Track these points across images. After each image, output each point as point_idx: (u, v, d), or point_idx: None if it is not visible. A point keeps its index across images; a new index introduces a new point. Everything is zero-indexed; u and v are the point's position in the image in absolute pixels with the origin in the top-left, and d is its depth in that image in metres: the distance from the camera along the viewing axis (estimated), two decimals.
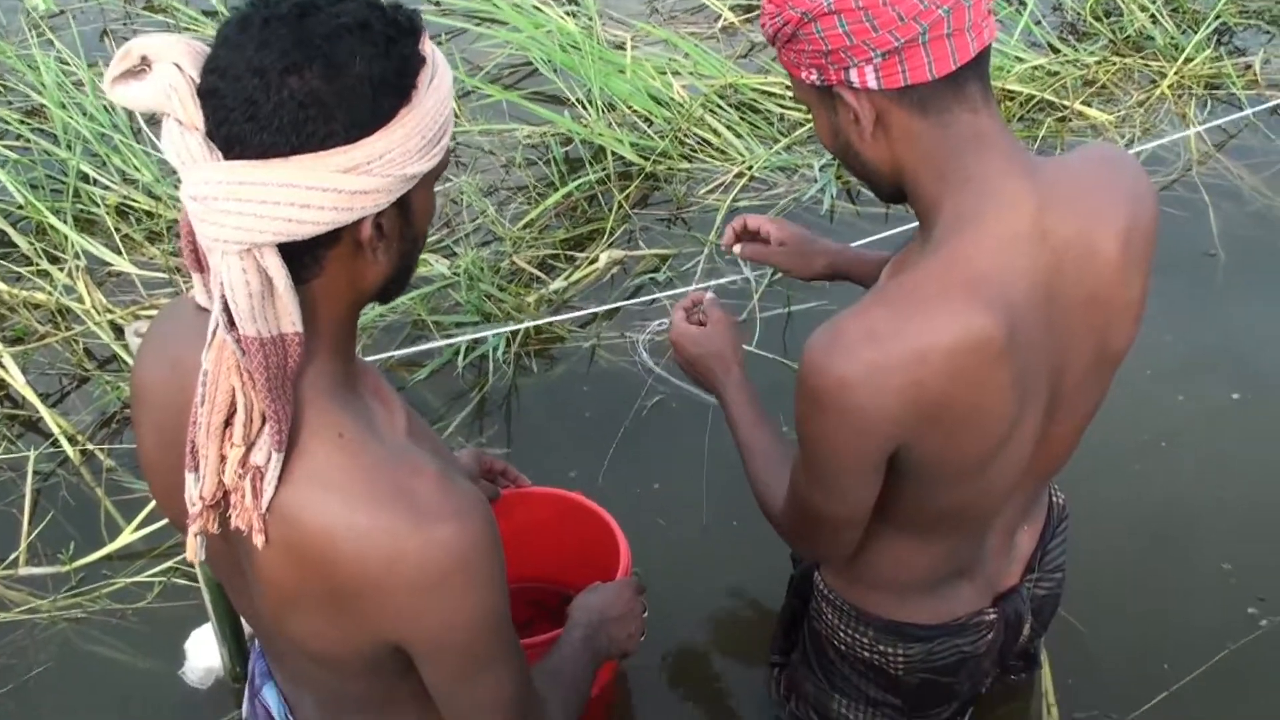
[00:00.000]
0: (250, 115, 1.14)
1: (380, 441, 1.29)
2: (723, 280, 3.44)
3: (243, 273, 1.16)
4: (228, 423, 1.23)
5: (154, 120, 3.92)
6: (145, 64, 1.16)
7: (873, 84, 1.45)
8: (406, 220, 1.26)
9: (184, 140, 1.16)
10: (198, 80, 1.16)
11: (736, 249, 2.19)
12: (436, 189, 3.69)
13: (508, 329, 3.23)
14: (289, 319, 1.20)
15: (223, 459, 1.24)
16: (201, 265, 1.25)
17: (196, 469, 1.26)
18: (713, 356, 2.02)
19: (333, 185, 1.15)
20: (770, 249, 2.18)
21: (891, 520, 1.80)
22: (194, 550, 1.30)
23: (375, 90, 1.16)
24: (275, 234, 1.15)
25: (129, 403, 3.01)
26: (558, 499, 2.33)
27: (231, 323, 1.18)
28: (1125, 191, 1.61)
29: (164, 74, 1.15)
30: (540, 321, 3.28)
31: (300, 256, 1.20)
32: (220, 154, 1.15)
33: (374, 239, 1.22)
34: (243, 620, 2.40)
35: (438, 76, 1.21)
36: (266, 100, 1.13)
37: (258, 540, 1.26)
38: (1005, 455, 1.63)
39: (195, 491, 1.26)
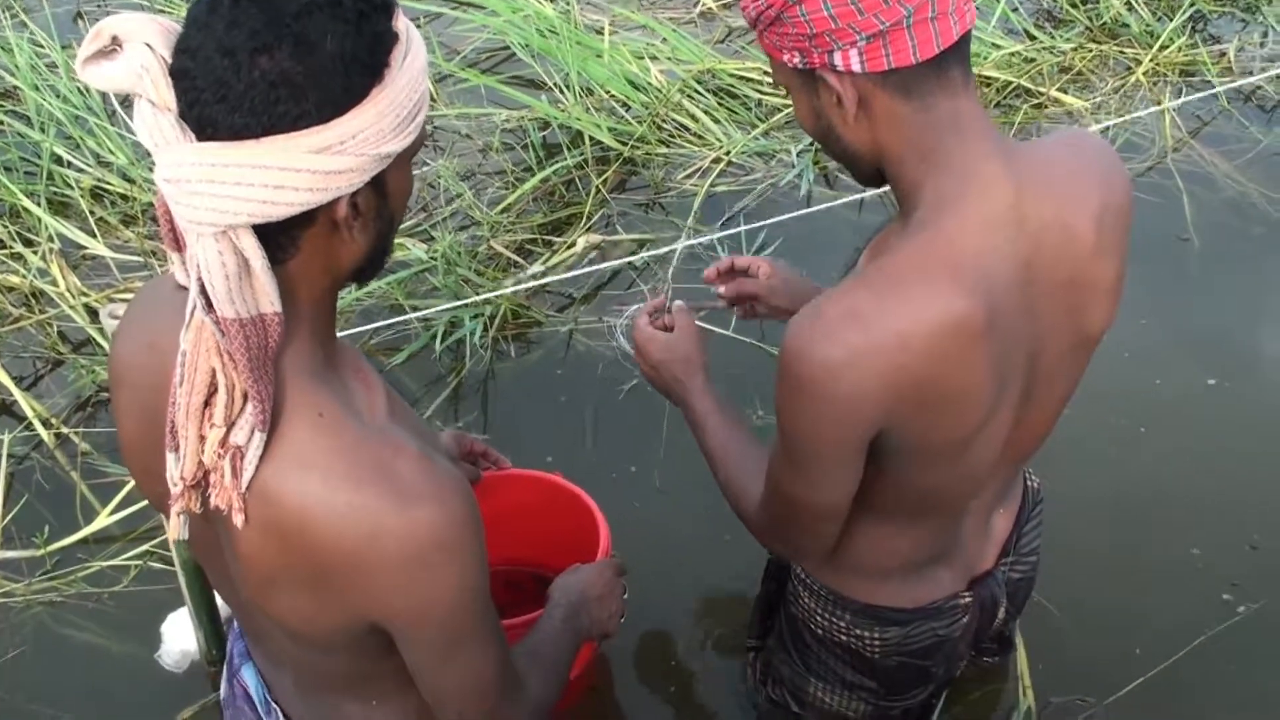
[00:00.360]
0: (221, 97, 1.13)
1: (360, 421, 1.29)
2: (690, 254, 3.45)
3: (219, 254, 1.16)
4: (207, 403, 1.23)
5: (128, 103, 3.89)
6: (116, 44, 1.15)
7: (856, 67, 1.45)
8: (382, 199, 1.25)
9: (156, 121, 1.15)
10: (169, 60, 1.15)
11: (721, 289, 2.17)
12: (414, 173, 3.69)
13: (481, 297, 3.23)
14: (267, 299, 1.20)
15: (202, 439, 1.24)
16: (180, 245, 1.24)
17: (177, 449, 1.25)
18: (679, 363, 2.00)
19: (306, 166, 1.14)
20: (758, 285, 2.15)
21: (871, 505, 1.80)
22: (176, 529, 1.30)
23: (347, 69, 1.15)
24: (250, 215, 1.15)
25: (106, 385, 3.01)
26: (538, 481, 2.34)
27: (209, 304, 1.18)
28: (1096, 174, 1.62)
29: (135, 54, 1.14)
30: (508, 291, 3.29)
31: (276, 237, 1.19)
32: (193, 135, 1.15)
33: (349, 218, 1.21)
34: (219, 603, 2.40)
35: (411, 53, 1.20)
36: (237, 81, 1.12)
37: (237, 520, 1.25)
38: (983, 438, 1.64)
39: (176, 472, 1.26)
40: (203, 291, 1.18)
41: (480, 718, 1.47)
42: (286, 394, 1.26)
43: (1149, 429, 3.07)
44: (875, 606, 1.95)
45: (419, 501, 1.25)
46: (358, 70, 1.16)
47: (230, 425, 1.23)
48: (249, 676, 1.72)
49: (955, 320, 1.47)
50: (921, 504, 1.78)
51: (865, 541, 1.87)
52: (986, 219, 1.51)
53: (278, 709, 1.68)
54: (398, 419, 1.35)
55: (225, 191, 1.13)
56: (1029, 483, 2.08)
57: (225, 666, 1.81)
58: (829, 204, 3.55)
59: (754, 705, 2.33)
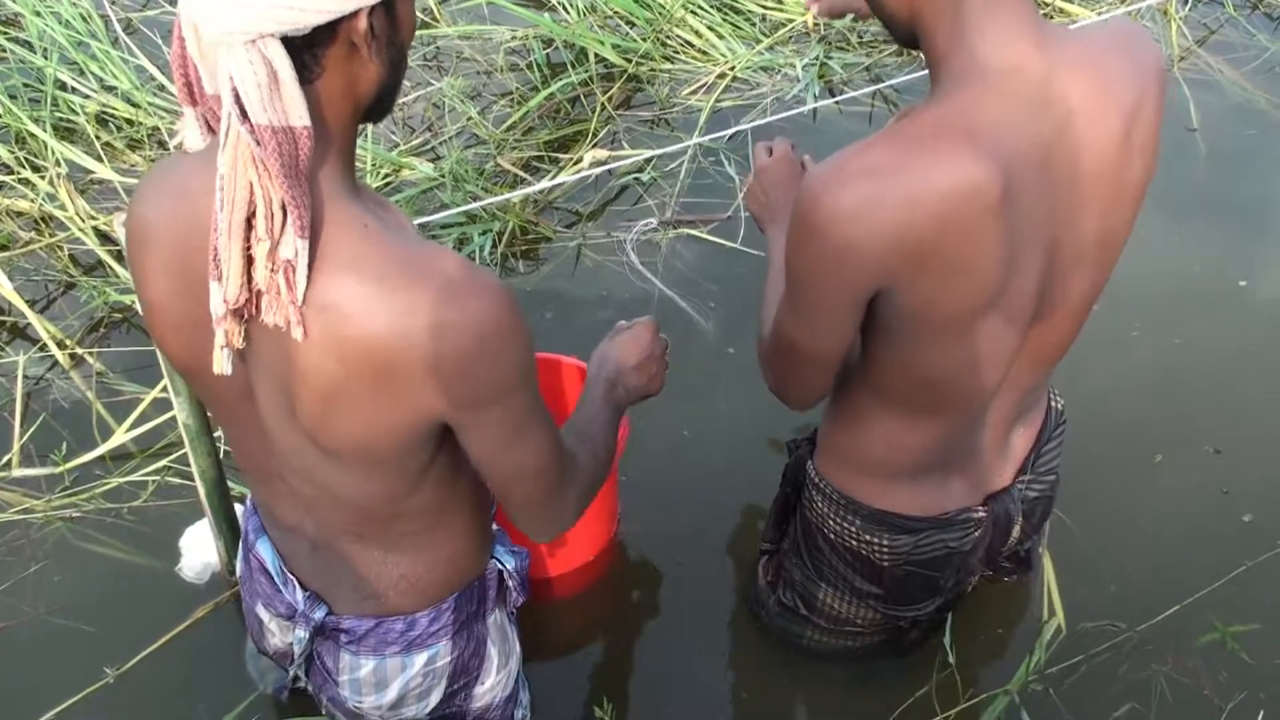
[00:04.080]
0: None
1: (403, 232, 1.37)
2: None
3: (249, 64, 1.22)
4: (249, 223, 1.29)
5: (130, 29, 3.88)
6: None
7: None
8: (394, 27, 1.33)
9: None
10: None
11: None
12: (417, 95, 3.68)
13: (492, 199, 3.23)
14: (296, 112, 1.26)
15: (249, 260, 1.30)
16: (194, 99, 1.32)
17: (220, 278, 1.31)
18: (784, 189, 2.10)
19: None
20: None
21: (881, 391, 1.82)
22: (221, 363, 1.36)
23: None
24: (278, 23, 1.22)
25: (119, 307, 3.02)
26: (549, 364, 2.39)
27: (244, 114, 1.24)
28: (1134, 65, 1.62)
29: None
30: (518, 195, 3.29)
31: (300, 55, 1.26)
32: None
33: (368, 36, 1.28)
34: (238, 511, 2.42)
35: None
36: None
37: (297, 334, 1.31)
38: (993, 321, 1.65)
39: (219, 298, 1.32)
40: (237, 101, 1.23)
41: (544, 496, 1.56)
42: (328, 210, 1.32)
43: (1182, 338, 3.08)
44: (886, 513, 1.97)
45: (472, 293, 1.33)
46: None
47: (276, 242, 1.28)
48: (264, 550, 1.77)
49: (969, 186, 1.49)
50: (932, 393, 1.79)
51: (878, 435, 1.89)
52: (1010, 95, 1.52)
53: (294, 579, 1.73)
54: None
55: (254, 1, 1.20)
56: (1053, 403, 2.09)
57: (240, 545, 1.86)
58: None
59: (763, 608, 2.36)
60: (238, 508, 2.43)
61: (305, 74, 1.27)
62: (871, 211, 1.50)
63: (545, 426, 1.51)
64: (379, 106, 1.38)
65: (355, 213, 1.34)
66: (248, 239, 1.29)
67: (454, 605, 1.75)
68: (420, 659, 1.76)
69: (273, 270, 1.29)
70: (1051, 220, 1.61)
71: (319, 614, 1.74)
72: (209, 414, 2.12)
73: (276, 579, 1.77)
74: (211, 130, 1.40)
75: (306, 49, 1.26)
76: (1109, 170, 1.61)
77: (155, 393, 2.80)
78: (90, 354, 2.97)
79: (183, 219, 1.38)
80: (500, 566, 1.83)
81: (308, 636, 1.77)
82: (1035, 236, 1.60)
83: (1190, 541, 2.62)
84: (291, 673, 1.88)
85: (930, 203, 1.49)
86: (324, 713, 1.94)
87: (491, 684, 1.88)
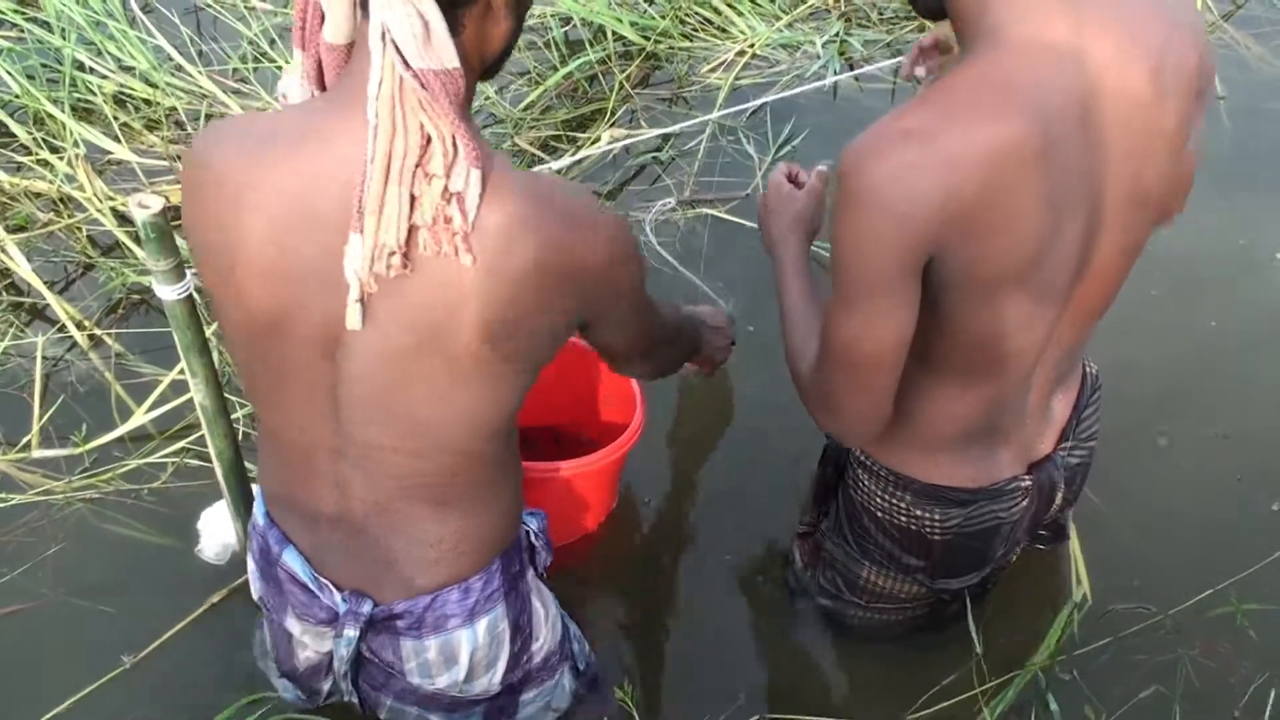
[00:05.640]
0: None
1: (518, 169, 1.48)
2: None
3: (406, 16, 1.31)
4: (417, 164, 1.36)
5: (149, 8, 3.87)
6: None
7: None
8: None
9: None
10: None
11: (919, 71, 2.26)
12: None
13: None
14: (449, 57, 1.35)
15: (413, 199, 1.37)
16: (304, 44, 1.46)
17: (362, 230, 1.37)
18: (789, 216, 2.12)
19: None
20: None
21: (928, 359, 1.79)
22: (354, 318, 1.44)
23: None
24: None
25: (136, 289, 3.01)
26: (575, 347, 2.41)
27: (406, 63, 1.32)
28: (1163, 20, 1.60)
29: None
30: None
31: (447, 14, 1.35)
32: None
33: None
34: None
35: None
36: None
37: (465, 260, 1.39)
38: (1040, 278, 1.64)
39: (367, 250, 1.38)
40: (397, 51, 1.32)
41: (642, 355, 1.88)
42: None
43: (1217, 321, 3.06)
44: (937, 486, 1.96)
45: (602, 212, 1.52)
46: None
47: (448, 174, 1.36)
48: (292, 560, 1.76)
49: (1007, 143, 1.48)
50: (980, 355, 1.76)
51: (925, 404, 1.87)
52: (1044, 51, 1.52)
53: (329, 584, 1.73)
54: None
55: None
56: (1088, 369, 2.08)
57: (259, 562, 1.86)
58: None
59: (802, 589, 2.36)
60: (255, 488, 2.43)
61: (449, 32, 1.36)
62: (914, 175, 1.49)
63: (654, 306, 1.78)
64: (498, 62, 1.50)
65: (489, 150, 1.43)
66: (415, 180, 1.36)
67: (501, 566, 1.77)
68: (482, 626, 1.77)
69: (446, 201, 1.36)
70: (1093, 173, 1.60)
71: (367, 607, 1.74)
72: (247, 385, 2.01)
73: (311, 585, 1.76)
74: (318, 82, 1.51)
75: (449, 10, 1.35)
76: (1144, 121, 1.60)
77: (173, 374, 2.80)
78: (109, 335, 2.97)
79: (297, 170, 1.42)
80: (527, 527, 1.87)
81: (357, 635, 1.76)
82: (1077, 191, 1.59)
83: (1215, 527, 2.61)
84: (326, 688, 1.89)
85: (971, 162, 1.48)
86: (384, 718, 1.94)
87: (544, 636, 1.92)
